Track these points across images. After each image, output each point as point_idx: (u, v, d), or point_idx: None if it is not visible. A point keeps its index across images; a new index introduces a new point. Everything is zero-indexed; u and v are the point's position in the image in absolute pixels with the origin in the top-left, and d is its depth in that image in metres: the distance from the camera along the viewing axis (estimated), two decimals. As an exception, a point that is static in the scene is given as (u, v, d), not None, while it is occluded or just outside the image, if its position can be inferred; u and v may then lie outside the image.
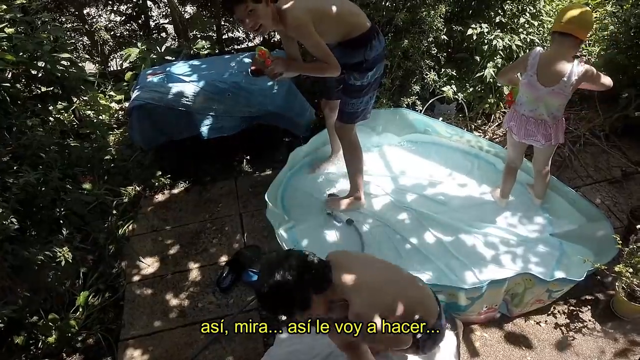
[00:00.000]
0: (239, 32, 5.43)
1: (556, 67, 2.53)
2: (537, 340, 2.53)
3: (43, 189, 2.68)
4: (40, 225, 2.67)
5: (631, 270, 2.40)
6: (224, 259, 3.05)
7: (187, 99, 3.33)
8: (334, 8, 2.56)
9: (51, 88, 3.29)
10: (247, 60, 3.64)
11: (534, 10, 3.75)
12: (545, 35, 3.79)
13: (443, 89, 3.75)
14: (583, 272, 2.51)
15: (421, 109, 3.83)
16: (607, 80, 2.59)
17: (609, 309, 2.63)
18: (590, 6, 4.38)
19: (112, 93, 4.44)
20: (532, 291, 2.50)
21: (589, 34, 2.56)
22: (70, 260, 2.60)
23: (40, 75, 3.15)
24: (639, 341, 2.49)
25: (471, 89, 3.83)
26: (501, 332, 2.58)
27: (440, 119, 3.83)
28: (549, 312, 2.64)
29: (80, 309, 2.73)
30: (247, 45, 5.37)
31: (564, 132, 2.76)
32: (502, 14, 3.69)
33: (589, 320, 2.59)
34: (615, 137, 3.70)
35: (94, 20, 5.06)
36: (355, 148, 3.02)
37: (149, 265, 3.05)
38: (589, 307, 2.65)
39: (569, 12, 2.47)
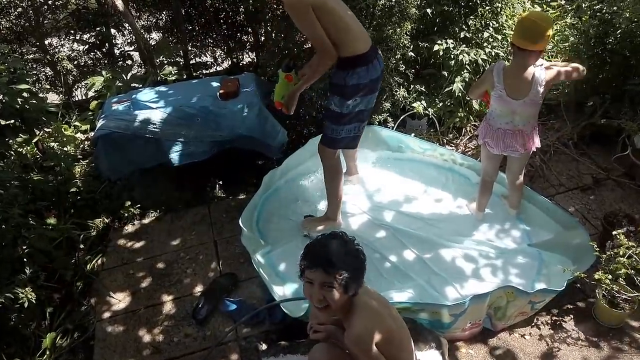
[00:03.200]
0: (206, 57, 5.41)
1: (522, 80, 2.56)
2: (523, 354, 2.49)
3: (3, 226, 2.54)
4: (1, 266, 2.52)
5: (610, 277, 2.39)
6: (199, 289, 2.94)
7: (154, 126, 3.25)
8: (340, 14, 2.48)
9: (11, 121, 3.16)
10: (215, 84, 3.59)
11: (497, 25, 3.83)
12: (509, 48, 3.87)
13: (413, 105, 3.77)
14: (563, 281, 2.51)
15: (393, 125, 3.84)
16: (575, 73, 2.58)
17: (591, 317, 2.62)
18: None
19: (77, 123, 4.31)
20: (515, 304, 2.47)
21: (547, 43, 2.55)
22: (34, 301, 2.46)
23: (-2, 107, 3.03)
24: (622, 348, 2.48)
25: (441, 104, 3.86)
26: (486, 347, 2.54)
27: (413, 134, 3.83)
28: (533, 324, 2.62)
29: (48, 352, 2.58)
30: (215, 69, 5.34)
31: (538, 136, 2.79)
32: (466, 29, 3.75)
33: (573, 330, 2.58)
34: (583, 145, 3.77)
35: (56, 50, 4.95)
36: (336, 172, 2.96)
37: (120, 300, 2.92)
38: (572, 316, 2.64)
39: (522, 26, 2.49)
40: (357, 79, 2.58)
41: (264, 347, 2.58)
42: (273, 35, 4.39)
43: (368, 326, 1.78)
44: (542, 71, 2.54)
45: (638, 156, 3.33)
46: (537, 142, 2.78)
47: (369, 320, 1.79)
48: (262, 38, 5.07)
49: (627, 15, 3.63)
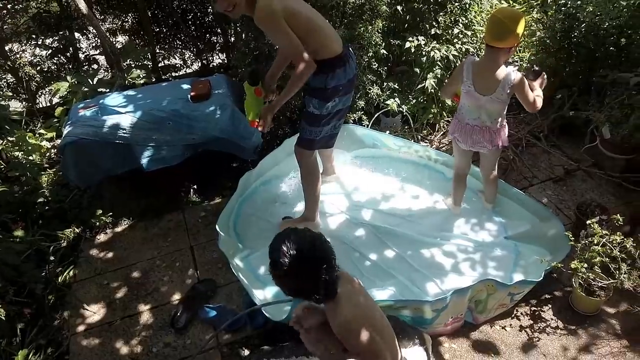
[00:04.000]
0: (175, 59, 5.30)
1: (490, 76, 2.56)
2: (505, 345, 2.52)
3: (-33, 241, 2.43)
4: (-35, 282, 2.41)
5: (586, 265, 2.44)
6: (177, 297, 2.87)
7: (124, 131, 3.16)
8: (311, 18, 2.45)
9: (-29, 130, 3.04)
10: (186, 86, 3.52)
11: (466, 21, 3.86)
12: (479, 44, 3.91)
13: (387, 102, 3.77)
14: (541, 271, 2.55)
15: (367, 123, 3.83)
16: (533, 99, 2.54)
17: (569, 306, 2.67)
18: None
19: (42, 131, 4.16)
20: (495, 296, 2.49)
21: (517, 40, 2.49)
22: (4, 317, 2.35)
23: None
24: (600, 335, 2.53)
25: (414, 101, 3.88)
26: (469, 341, 2.56)
27: (387, 132, 3.84)
28: (513, 315, 2.65)
29: (20, 370, 2.47)
30: (185, 71, 5.25)
31: (507, 135, 2.81)
32: (436, 25, 3.77)
33: (551, 319, 2.62)
34: (553, 137, 3.84)
35: (18, 56, 4.77)
36: (313, 174, 2.93)
37: (95, 312, 2.82)
38: (550, 306, 2.69)
39: (491, 23, 2.48)
40: (337, 81, 2.55)
41: (246, 352, 2.54)
42: (243, 35, 4.33)
43: (353, 312, 1.77)
44: (514, 74, 2.53)
45: (606, 146, 3.42)
46: (504, 140, 2.78)
47: (353, 307, 1.78)
48: (232, 38, 5.01)
49: (591, 9, 3.72)
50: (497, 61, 2.53)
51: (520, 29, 2.43)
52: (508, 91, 2.55)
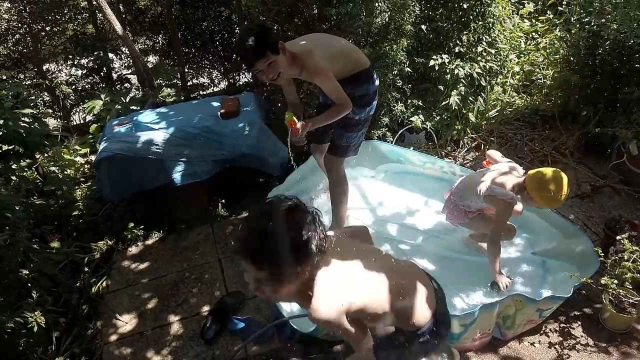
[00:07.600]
0: (203, 78, 5.47)
1: (503, 179, 2.62)
2: (534, 362, 2.50)
3: (9, 251, 2.53)
4: (8, 291, 2.50)
5: (616, 282, 2.42)
6: (206, 308, 2.92)
7: (157, 147, 3.27)
8: (342, 47, 2.70)
9: (12, 146, 3.17)
10: (215, 104, 3.63)
11: (490, 39, 3.91)
12: (503, 62, 3.96)
13: (411, 119, 3.82)
14: (570, 288, 2.53)
15: (392, 139, 3.88)
16: (497, 235, 2.63)
17: (599, 323, 2.64)
18: (538, 34, 4.62)
19: (76, 147, 4.32)
20: (524, 312, 2.48)
21: (536, 195, 2.50)
22: (43, 325, 2.44)
23: (0, 133, 3.04)
24: (632, 353, 2.50)
25: (438, 118, 3.92)
26: (497, 356, 2.54)
27: (411, 148, 3.88)
28: (542, 332, 2.63)
29: (55, 377, 2.55)
30: (212, 90, 5.40)
31: (458, 219, 2.86)
32: (460, 44, 3.83)
33: (581, 336, 2.59)
34: (579, 154, 3.83)
35: (54, 75, 4.99)
36: (344, 182, 3.04)
37: (127, 322, 2.89)
38: (579, 323, 2.66)
39: (546, 170, 2.52)
40: (374, 86, 2.80)
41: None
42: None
43: (327, 304, 1.55)
44: (509, 196, 2.55)
45: (634, 163, 3.40)
46: (451, 218, 2.92)
47: (326, 298, 1.56)
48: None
49: (615, 27, 3.73)
50: (518, 180, 2.62)
51: (542, 190, 2.48)
52: (485, 191, 2.58)
